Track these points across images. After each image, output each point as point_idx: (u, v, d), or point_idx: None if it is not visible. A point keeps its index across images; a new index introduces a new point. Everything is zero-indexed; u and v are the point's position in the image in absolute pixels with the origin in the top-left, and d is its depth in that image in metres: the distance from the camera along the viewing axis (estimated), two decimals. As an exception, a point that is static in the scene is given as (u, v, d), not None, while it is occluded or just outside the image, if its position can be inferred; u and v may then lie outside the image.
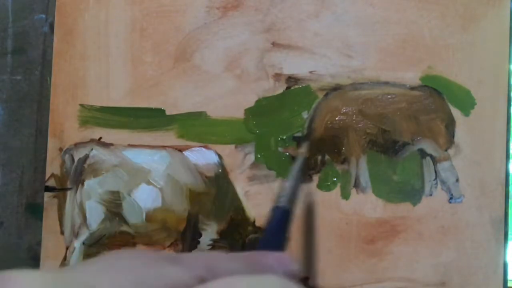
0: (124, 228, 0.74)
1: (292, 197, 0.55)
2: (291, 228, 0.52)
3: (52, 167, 0.75)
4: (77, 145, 0.75)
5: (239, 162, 0.75)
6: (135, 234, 0.74)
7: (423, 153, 0.75)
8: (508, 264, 0.75)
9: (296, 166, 0.59)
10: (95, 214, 0.74)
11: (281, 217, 0.52)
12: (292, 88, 0.75)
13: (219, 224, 0.74)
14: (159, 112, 0.75)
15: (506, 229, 0.75)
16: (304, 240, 0.74)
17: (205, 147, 0.75)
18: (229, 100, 0.75)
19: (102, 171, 0.75)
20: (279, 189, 0.57)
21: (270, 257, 0.41)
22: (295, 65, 0.75)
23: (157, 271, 0.33)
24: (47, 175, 0.75)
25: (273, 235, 0.51)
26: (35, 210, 0.77)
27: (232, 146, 0.75)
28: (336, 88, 0.75)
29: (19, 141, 0.78)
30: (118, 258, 0.36)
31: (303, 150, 0.70)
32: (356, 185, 0.75)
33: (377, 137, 0.75)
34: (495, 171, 0.75)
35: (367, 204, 0.75)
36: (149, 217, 0.74)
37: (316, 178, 0.75)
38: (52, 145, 0.75)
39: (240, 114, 0.75)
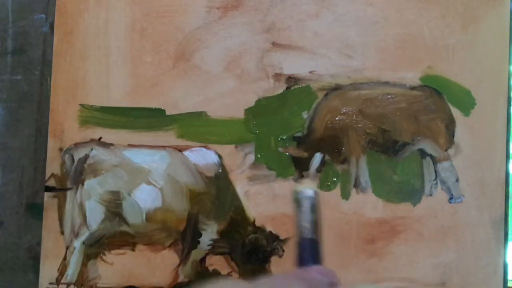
0: (124, 228, 0.74)
1: (316, 228, 0.55)
2: (321, 256, 0.52)
3: (52, 167, 0.75)
4: (77, 145, 0.75)
5: (239, 162, 0.75)
6: (135, 234, 0.74)
7: (423, 153, 0.75)
8: (508, 264, 0.75)
9: (309, 201, 0.57)
10: (95, 214, 0.74)
11: (311, 248, 0.52)
12: (292, 88, 0.75)
13: (219, 224, 0.74)
14: (159, 112, 0.75)
15: (506, 229, 0.75)
16: None
17: (205, 147, 0.75)
18: (229, 100, 0.75)
19: (102, 171, 0.75)
20: (298, 221, 0.55)
21: (313, 272, 0.49)
22: (295, 65, 0.75)
23: None
24: (47, 175, 0.75)
25: (307, 265, 0.52)
26: (35, 210, 0.77)
27: (232, 146, 0.75)
28: (336, 88, 0.75)
29: (19, 141, 0.78)
30: None
31: (313, 184, 0.70)
32: (356, 185, 0.75)
33: (377, 137, 0.75)
34: (495, 171, 0.75)
35: (367, 204, 0.75)
36: (149, 217, 0.74)
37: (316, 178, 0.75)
38: (52, 145, 0.75)
39: (240, 114, 0.75)
